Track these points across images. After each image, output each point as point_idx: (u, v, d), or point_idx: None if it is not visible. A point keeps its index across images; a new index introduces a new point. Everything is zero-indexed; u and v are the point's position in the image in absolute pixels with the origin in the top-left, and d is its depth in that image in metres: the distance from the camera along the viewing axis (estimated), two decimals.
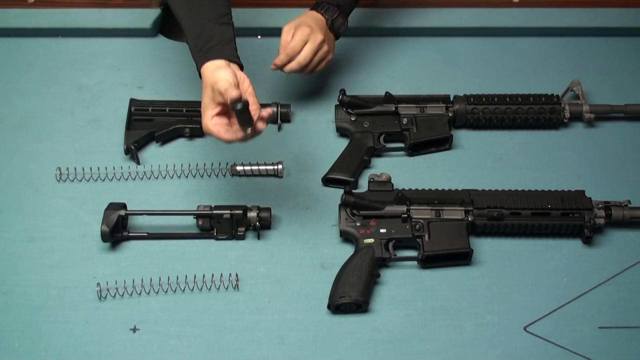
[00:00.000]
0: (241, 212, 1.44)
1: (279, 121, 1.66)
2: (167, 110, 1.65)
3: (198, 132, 1.63)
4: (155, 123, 1.63)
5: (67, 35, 1.87)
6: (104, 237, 1.43)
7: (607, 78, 1.79)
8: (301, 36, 1.56)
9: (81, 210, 1.52)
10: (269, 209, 1.47)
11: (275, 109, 1.65)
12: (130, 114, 1.64)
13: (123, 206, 1.46)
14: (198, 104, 1.62)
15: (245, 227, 1.47)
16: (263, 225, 1.47)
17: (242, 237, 1.48)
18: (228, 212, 1.44)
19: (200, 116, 1.60)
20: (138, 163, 1.59)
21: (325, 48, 1.59)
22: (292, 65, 1.57)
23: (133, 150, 1.57)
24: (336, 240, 1.48)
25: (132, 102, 1.65)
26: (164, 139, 1.64)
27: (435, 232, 1.43)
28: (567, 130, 1.68)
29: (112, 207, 1.45)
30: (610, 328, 1.37)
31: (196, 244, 1.47)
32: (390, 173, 1.51)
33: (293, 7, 1.88)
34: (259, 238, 1.48)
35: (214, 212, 1.44)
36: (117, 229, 1.45)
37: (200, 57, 1.34)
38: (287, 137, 1.66)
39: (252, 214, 1.46)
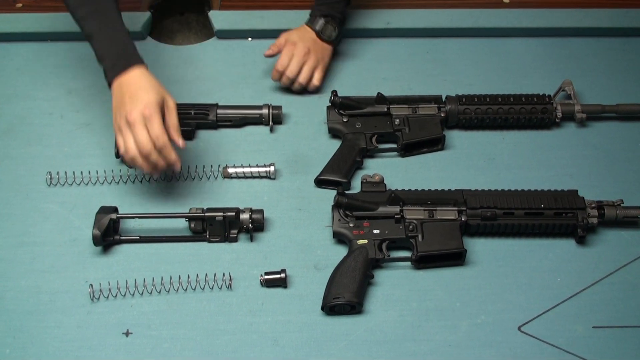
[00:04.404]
0: (234, 214, 1.44)
1: (270, 123, 1.65)
2: None
3: (189, 134, 1.62)
4: None
5: (56, 40, 1.86)
6: (96, 241, 1.42)
7: (599, 78, 1.79)
8: (287, 52, 1.68)
9: (72, 215, 1.51)
10: (261, 211, 1.47)
11: (266, 111, 1.65)
12: None
13: (114, 210, 1.45)
14: (189, 106, 1.63)
15: (238, 229, 1.47)
16: (256, 227, 1.46)
17: (235, 240, 1.47)
18: (220, 214, 1.43)
19: (190, 119, 1.62)
20: (129, 166, 1.57)
21: (312, 58, 1.69)
22: (283, 79, 1.70)
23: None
24: (329, 242, 1.48)
25: None
26: None
27: (429, 232, 1.43)
28: (559, 130, 1.68)
29: (103, 210, 1.44)
30: (604, 327, 1.37)
31: (188, 246, 1.46)
32: (383, 174, 1.51)
33: (283, 9, 1.88)
34: (251, 240, 1.47)
35: (206, 214, 1.43)
36: (109, 233, 1.44)
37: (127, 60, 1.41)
38: (279, 138, 1.65)
39: (244, 216, 1.45)
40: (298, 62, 1.68)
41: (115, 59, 1.41)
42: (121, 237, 1.46)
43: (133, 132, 1.36)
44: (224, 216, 1.43)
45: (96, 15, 1.42)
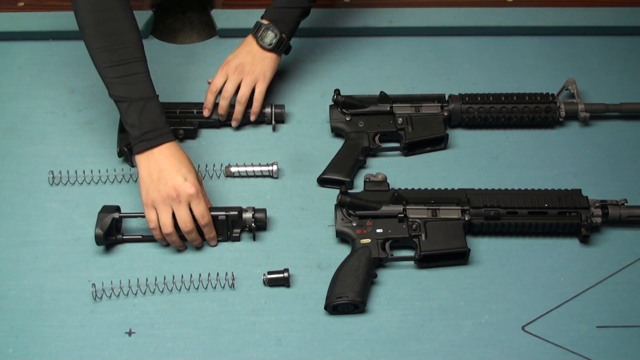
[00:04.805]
0: (236, 213, 1.43)
1: (273, 122, 1.65)
2: None
3: (191, 133, 1.62)
4: None
5: (58, 39, 1.86)
6: (98, 240, 1.42)
7: (602, 77, 1.78)
8: (220, 72, 1.61)
9: (75, 214, 1.51)
10: (264, 210, 1.46)
11: (269, 110, 1.64)
12: None
13: (117, 209, 1.44)
14: (192, 105, 1.63)
15: (241, 228, 1.46)
16: (259, 226, 1.46)
17: (238, 239, 1.47)
18: (223, 213, 1.43)
19: (193, 117, 1.63)
20: (132, 165, 1.57)
21: (249, 73, 1.59)
22: (221, 103, 1.61)
23: (126, 152, 1.56)
24: (332, 241, 1.47)
25: None
26: None
27: (432, 231, 1.42)
28: (562, 129, 1.68)
29: (106, 209, 1.44)
30: (608, 327, 1.36)
31: (191, 246, 1.46)
32: (385, 173, 1.50)
33: None
34: (254, 239, 1.47)
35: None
36: (111, 232, 1.44)
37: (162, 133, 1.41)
38: (282, 137, 1.65)
39: (247, 215, 1.45)
40: (235, 81, 1.59)
41: (149, 129, 1.39)
42: (124, 237, 1.46)
43: (176, 209, 1.38)
44: (226, 215, 1.43)
45: (129, 80, 1.40)
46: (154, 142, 1.39)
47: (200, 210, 1.39)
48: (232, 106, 1.62)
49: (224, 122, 1.65)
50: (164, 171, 1.38)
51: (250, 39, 1.61)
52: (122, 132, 1.58)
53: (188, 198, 1.38)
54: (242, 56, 1.60)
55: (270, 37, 1.59)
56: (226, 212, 1.43)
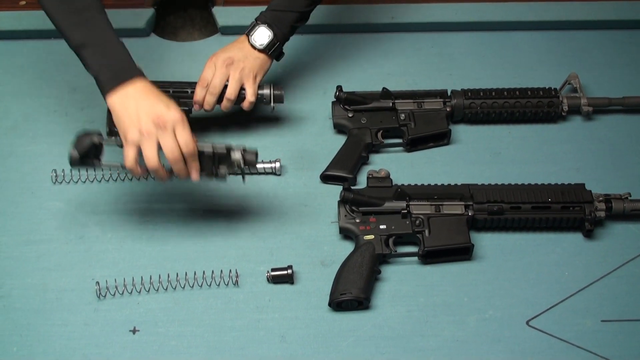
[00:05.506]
0: (223, 148, 1.34)
1: (272, 103, 1.59)
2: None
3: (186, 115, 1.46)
4: None
5: (60, 37, 1.84)
6: (73, 161, 1.32)
7: (605, 71, 1.78)
8: (209, 65, 1.53)
9: (78, 212, 1.51)
10: (255, 152, 1.36)
11: (268, 91, 1.58)
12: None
13: (98, 134, 1.34)
14: (185, 85, 1.58)
15: (228, 166, 1.36)
16: (248, 163, 1.37)
17: (224, 178, 1.37)
18: (210, 146, 1.33)
19: (187, 98, 1.55)
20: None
21: (238, 69, 1.52)
22: (207, 98, 1.52)
23: (116, 131, 1.36)
24: (336, 237, 1.47)
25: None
26: None
27: (436, 227, 1.42)
28: (565, 124, 1.67)
29: (86, 132, 1.34)
30: (612, 321, 1.36)
31: (195, 243, 1.46)
32: (388, 169, 1.50)
33: None
34: (243, 181, 1.44)
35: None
36: (89, 157, 1.33)
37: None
38: (285, 135, 1.65)
39: (236, 155, 1.35)
40: (221, 75, 1.51)
41: (118, 68, 1.32)
42: (102, 163, 1.36)
43: (161, 137, 1.27)
44: (213, 150, 1.33)
45: (86, 24, 1.34)
46: (126, 76, 1.31)
47: (184, 137, 1.28)
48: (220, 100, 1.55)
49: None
50: (142, 104, 1.29)
51: (242, 38, 1.56)
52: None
53: (173, 124, 1.27)
54: (232, 51, 1.54)
55: (262, 37, 1.54)
56: (213, 147, 1.34)
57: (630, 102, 1.66)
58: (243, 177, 1.42)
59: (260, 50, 1.54)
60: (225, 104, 1.53)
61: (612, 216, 1.47)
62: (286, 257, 1.44)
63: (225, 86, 1.52)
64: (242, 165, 1.36)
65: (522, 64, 1.80)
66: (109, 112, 1.52)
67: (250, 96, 1.53)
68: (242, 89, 1.54)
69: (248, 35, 1.55)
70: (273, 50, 1.55)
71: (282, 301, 1.39)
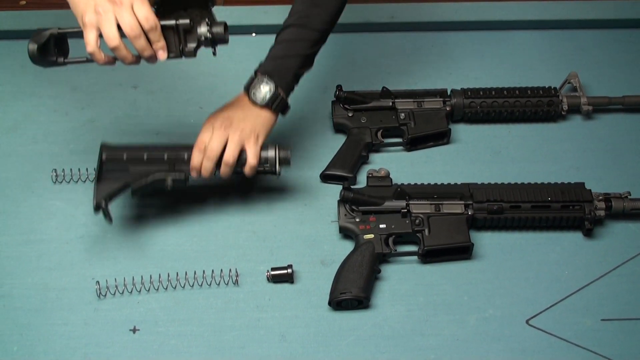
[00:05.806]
0: (187, 21, 1.26)
1: (277, 167, 1.45)
2: (145, 157, 1.41)
3: (181, 184, 1.41)
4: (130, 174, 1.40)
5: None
6: (32, 57, 1.25)
7: (605, 70, 1.78)
8: (206, 127, 1.38)
9: (78, 212, 1.51)
10: (222, 23, 1.28)
11: (273, 152, 1.43)
12: (101, 164, 1.41)
13: (58, 28, 1.27)
14: (182, 149, 1.42)
15: (197, 42, 1.28)
16: (217, 39, 1.30)
17: (193, 54, 1.28)
18: (173, 21, 1.25)
19: (183, 164, 1.41)
20: (111, 221, 1.40)
21: (237, 130, 1.36)
22: (205, 164, 1.37)
23: (104, 206, 1.37)
24: (336, 237, 1.47)
25: (103, 148, 1.42)
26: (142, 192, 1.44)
27: (435, 226, 1.42)
28: (565, 123, 1.67)
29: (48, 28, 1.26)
30: (612, 320, 1.36)
31: (195, 242, 1.46)
32: (388, 168, 1.50)
33: (287, 4, 1.87)
34: (214, 54, 1.32)
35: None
36: (49, 51, 1.27)
37: None
38: (284, 134, 1.65)
39: (202, 29, 1.27)
40: (219, 138, 1.35)
41: None
42: (65, 60, 1.30)
43: (118, 14, 1.18)
44: (176, 23, 1.26)
45: None
46: None
47: (143, 12, 1.20)
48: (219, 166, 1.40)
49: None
50: None
51: (242, 95, 1.41)
52: (100, 180, 1.39)
53: (129, 1, 1.19)
54: (231, 110, 1.39)
55: (263, 91, 1.38)
56: (176, 19, 1.26)
57: (630, 101, 1.66)
58: (214, 51, 1.32)
59: (262, 107, 1.39)
60: (223, 169, 1.38)
61: (611, 215, 1.47)
62: (286, 256, 1.44)
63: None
64: (209, 35, 1.29)
65: (521, 63, 1.80)
66: (97, 180, 1.39)
67: (251, 159, 1.38)
68: (242, 151, 1.39)
69: (247, 90, 1.40)
70: (277, 105, 1.40)
71: (282, 300, 1.39)
